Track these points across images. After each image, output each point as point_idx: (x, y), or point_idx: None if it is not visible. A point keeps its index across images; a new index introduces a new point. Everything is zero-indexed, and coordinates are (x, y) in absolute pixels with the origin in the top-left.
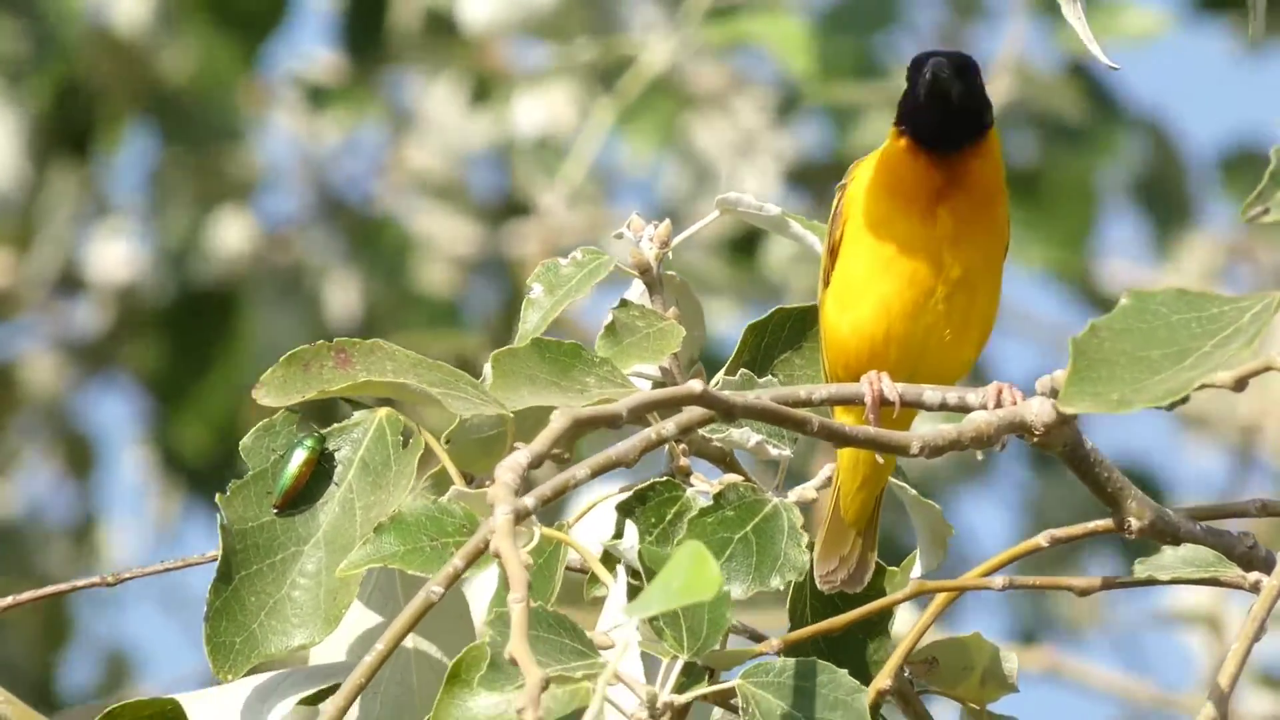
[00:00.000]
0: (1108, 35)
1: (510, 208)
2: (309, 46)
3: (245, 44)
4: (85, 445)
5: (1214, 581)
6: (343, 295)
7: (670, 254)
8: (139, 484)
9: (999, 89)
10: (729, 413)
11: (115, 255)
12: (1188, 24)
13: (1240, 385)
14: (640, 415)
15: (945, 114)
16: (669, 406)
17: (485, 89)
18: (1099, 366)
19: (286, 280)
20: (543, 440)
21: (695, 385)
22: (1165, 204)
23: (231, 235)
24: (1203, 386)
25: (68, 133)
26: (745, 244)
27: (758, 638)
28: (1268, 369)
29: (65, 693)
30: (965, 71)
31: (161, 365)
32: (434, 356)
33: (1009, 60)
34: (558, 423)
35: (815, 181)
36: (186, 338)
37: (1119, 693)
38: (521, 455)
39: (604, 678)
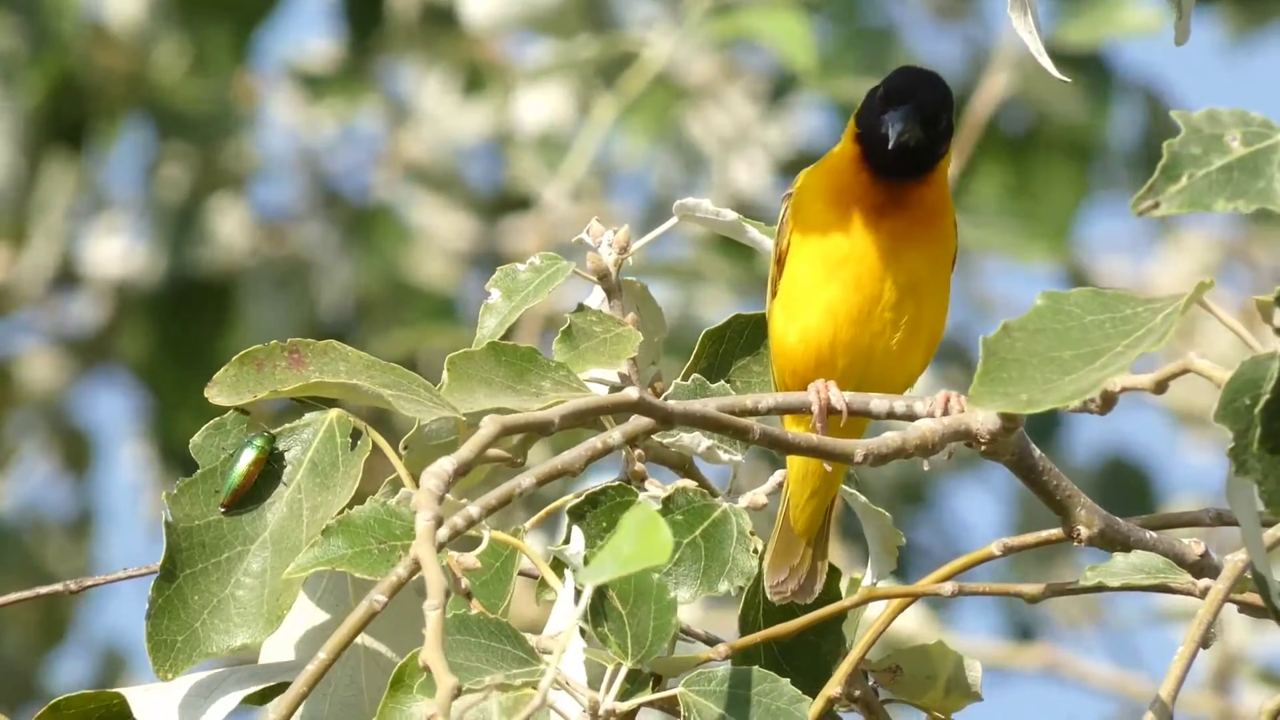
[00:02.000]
0: (1106, 30)
1: (506, 200)
2: (306, 35)
3: (240, 32)
4: (82, 441)
5: (1164, 588)
6: (339, 287)
7: (630, 259)
8: (136, 479)
9: (996, 84)
10: (667, 420)
11: (111, 250)
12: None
13: (1160, 388)
14: (574, 423)
15: (893, 159)
16: (605, 414)
17: (480, 80)
18: (1009, 366)
19: (283, 271)
20: (470, 447)
21: (631, 393)
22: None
23: (227, 227)
24: (1124, 390)
25: (63, 127)
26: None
27: (714, 642)
28: (1186, 371)
29: (60, 690)
30: (933, 120)
31: (158, 358)
32: (433, 350)
33: (1008, 54)
34: (486, 429)
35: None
36: (183, 330)
37: (1115, 689)
38: (447, 462)
39: (549, 675)
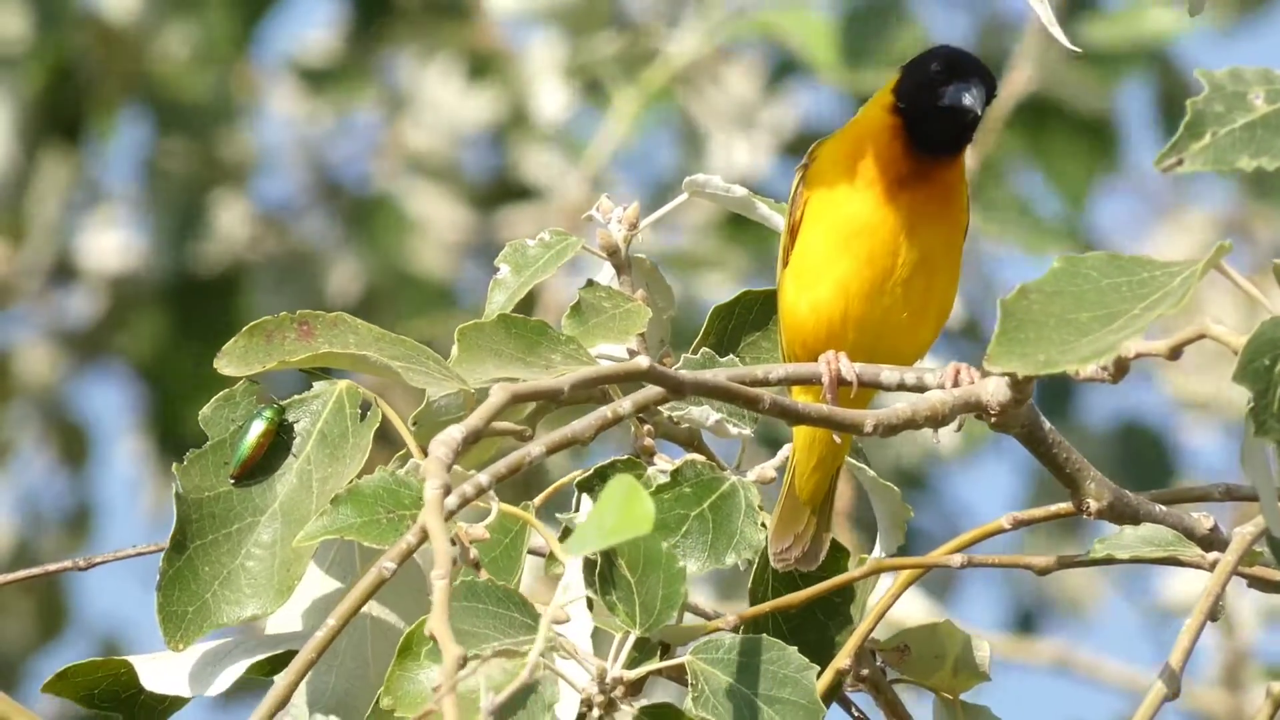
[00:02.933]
0: (1133, 34)
1: (505, 189)
2: (308, 25)
3: (245, 21)
4: (80, 434)
5: (1174, 561)
6: (341, 277)
7: (640, 236)
8: (134, 472)
9: (1018, 80)
10: (678, 389)
11: (109, 243)
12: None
13: (1175, 353)
14: (584, 391)
15: (953, 135)
16: (615, 382)
17: (482, 68)
18: (1027, 328)
19: (284, 263)
20: (480, 415)
21: (642, 361)
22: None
23: (228, 219)
24: (1139, 355)
25: (60, 120)
26: (741, 218)
27: (715, 616)
28: (1202, 336)
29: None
30: (989, 100)
31: (159, 351)
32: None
33: (1031, 50)
34: (496, 397)
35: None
36: (186, 322)
37: (1126, 684)
38: (456, 430)
39: (538, 643)
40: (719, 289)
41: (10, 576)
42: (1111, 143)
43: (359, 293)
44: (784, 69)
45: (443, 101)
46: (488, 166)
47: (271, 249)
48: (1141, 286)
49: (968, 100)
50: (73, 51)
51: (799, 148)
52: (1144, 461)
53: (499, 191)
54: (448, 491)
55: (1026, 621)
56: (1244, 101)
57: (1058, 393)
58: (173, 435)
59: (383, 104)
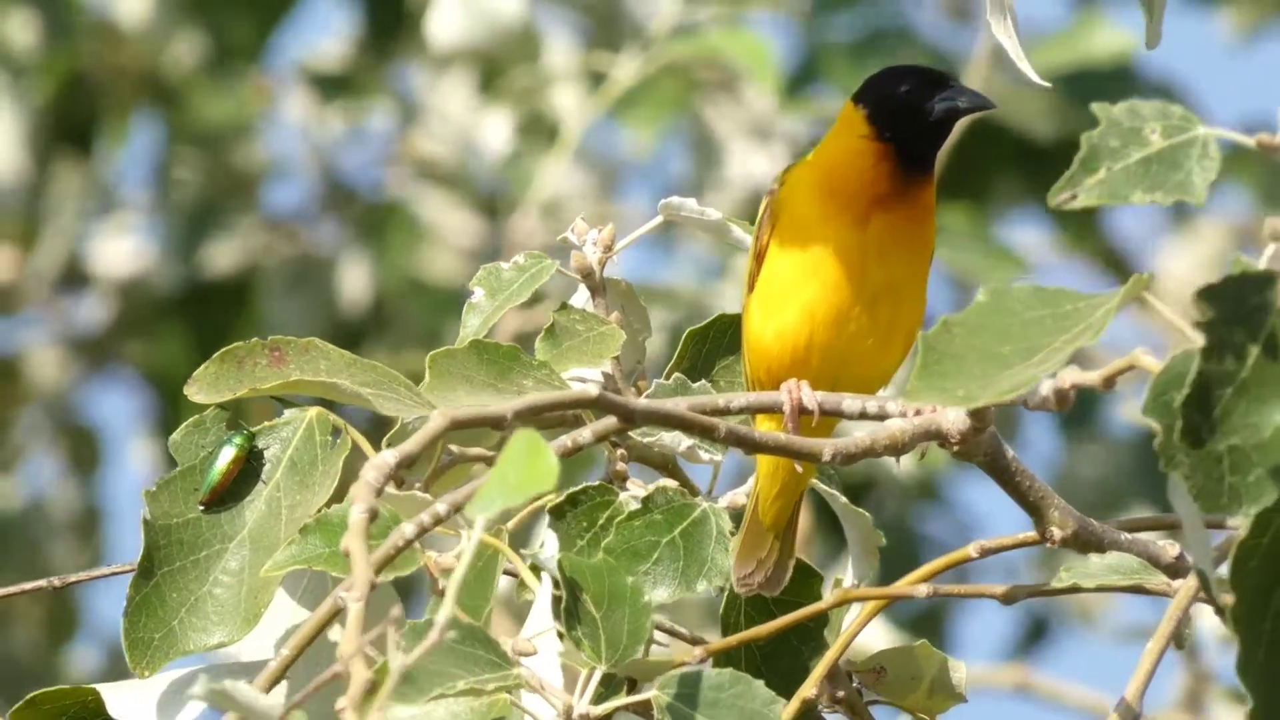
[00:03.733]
0: (1074, 56)
1: (511, 202)
2: (322, 34)
3: (260, 29)
4: (90, 439)
5: (1139, 589)
6: (352, 284)
7: (616, 258)
8: (144, 478)
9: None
10: (629, 418)
11: (120, 249)
12: (1186, 12)
13: (1108, 383)
14: (530, 418)
15: (938, 143)
16: (561, 410)
17: (492, 79)
18: (947, 361)
19: (296, 270)
20: (415, 440)
21: (591, 389)
22: None
23: (240, 226)
24: (1073, 386)
25: (71, 126)
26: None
27: (699, 642)
28: (1132, 367)
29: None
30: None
31: (171, 357)
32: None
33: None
34: (434, 423)
35: None
36: (197, 329)
37: (1090, 710)
38: (389, 454)
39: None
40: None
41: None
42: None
43: (370, 299)
44: (801, 79)
45: (454, 111)
46: (501, 174)
47: (283, 256)
48: (1065, 319)
49: (963, 103)
50: (84, 59)
51: None
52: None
53: (508, 199)
54: (374, 516)
55: (1038, 629)
56: (1139, 136)
57: (1083, 405)
58: None
59: (395, 112)
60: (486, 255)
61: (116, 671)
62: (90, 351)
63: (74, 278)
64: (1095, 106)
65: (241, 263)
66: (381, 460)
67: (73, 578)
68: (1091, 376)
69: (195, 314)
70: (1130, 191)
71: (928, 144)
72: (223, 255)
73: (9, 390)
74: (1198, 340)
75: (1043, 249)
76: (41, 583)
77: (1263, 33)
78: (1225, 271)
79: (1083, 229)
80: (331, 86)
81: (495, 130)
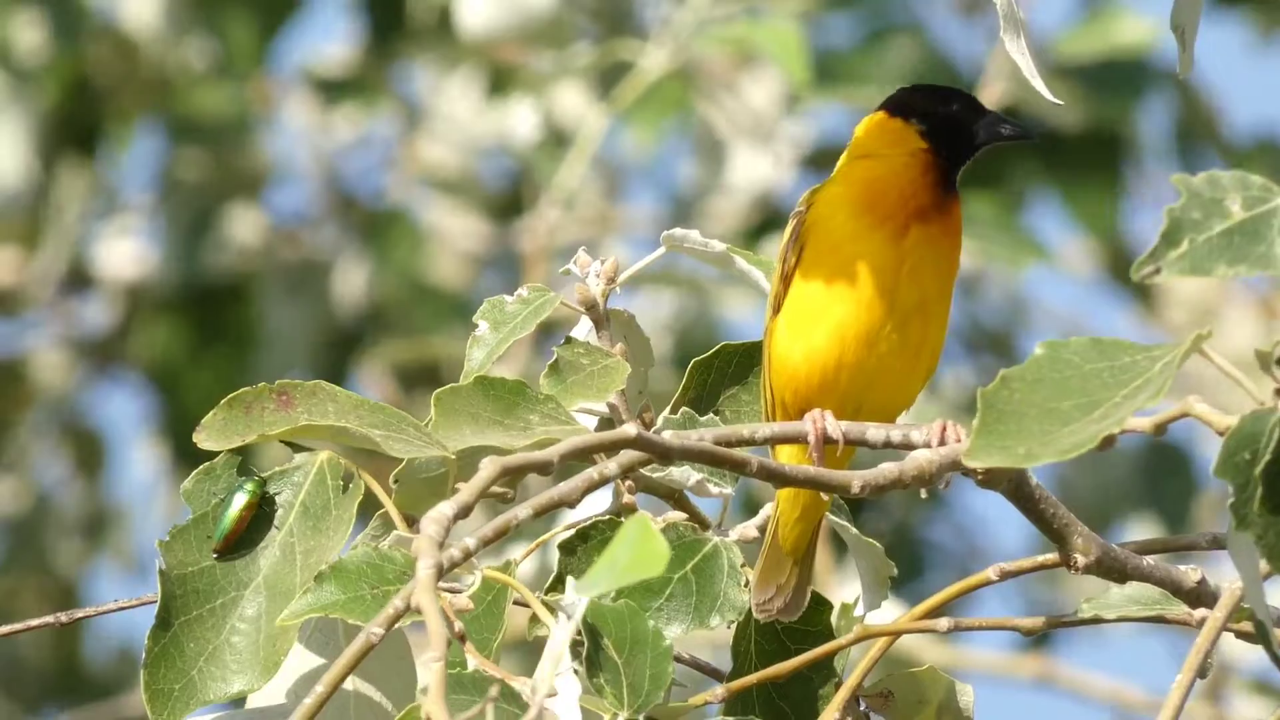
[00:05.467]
0: (1103, 44)
1: (522, 201)
2: (325, 38)
3: (264, 33)
4: (95, 441)
5: (1160, 619)
6: (354, 289)
7: (618, 289)
8: (149, 480)
9: (990, 96)
10: (665, 455)
11: (124, 252)
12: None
13: (1160, 430)
14: (572, 460)
15: (976, 152)
16: (603, 450)
17: (500, 82)
18: (1008, 419)
19: (298, 273)
20: (470, 490)
21: (630, 429)
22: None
23: (243, 230)
24: (1124, 432)
25: (77, 130)
26: (760, 233)
27: (708, 671)
28: (1185, 415)
29: (80, 688)
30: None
31: (174, 358)
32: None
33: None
34: (485, 472)
35: (832, 166)
36: (200, 331)
37: (1111, 699)
38: (447, 507)
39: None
40: (736, 307)
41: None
42: (1129, 155)
43: (371, 304)
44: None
45: (459, 116)
46: (506, 178)
47: (285, 259)
48: (1123, 372)
49: (1006, 130)
50: (90, 64)
51: (820, 162)
52: (1171, 482)
53: (517, 200)
54: (441, 572)
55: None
56: (1221, 208)
57: None
58: (187, 443)
59: (399, 116)
60: (494, 258)
61: (123, 671)
62: (94, 353)
63: (78, 280)
64: (1175, 178)
65: (243, 266)
66: (440, 513)
67: (80, 613)
68: (1143, 423)
69: (196, 317)
70: (1213, 265)
71: (965, 162)
72: (224, 258)
73: (14, 392)
74: (1270, 399)
75: (1059, 239)
76: (49, 619)
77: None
78: None
79: (1096, 221)
80: (335, 91)
81: (522, 120)
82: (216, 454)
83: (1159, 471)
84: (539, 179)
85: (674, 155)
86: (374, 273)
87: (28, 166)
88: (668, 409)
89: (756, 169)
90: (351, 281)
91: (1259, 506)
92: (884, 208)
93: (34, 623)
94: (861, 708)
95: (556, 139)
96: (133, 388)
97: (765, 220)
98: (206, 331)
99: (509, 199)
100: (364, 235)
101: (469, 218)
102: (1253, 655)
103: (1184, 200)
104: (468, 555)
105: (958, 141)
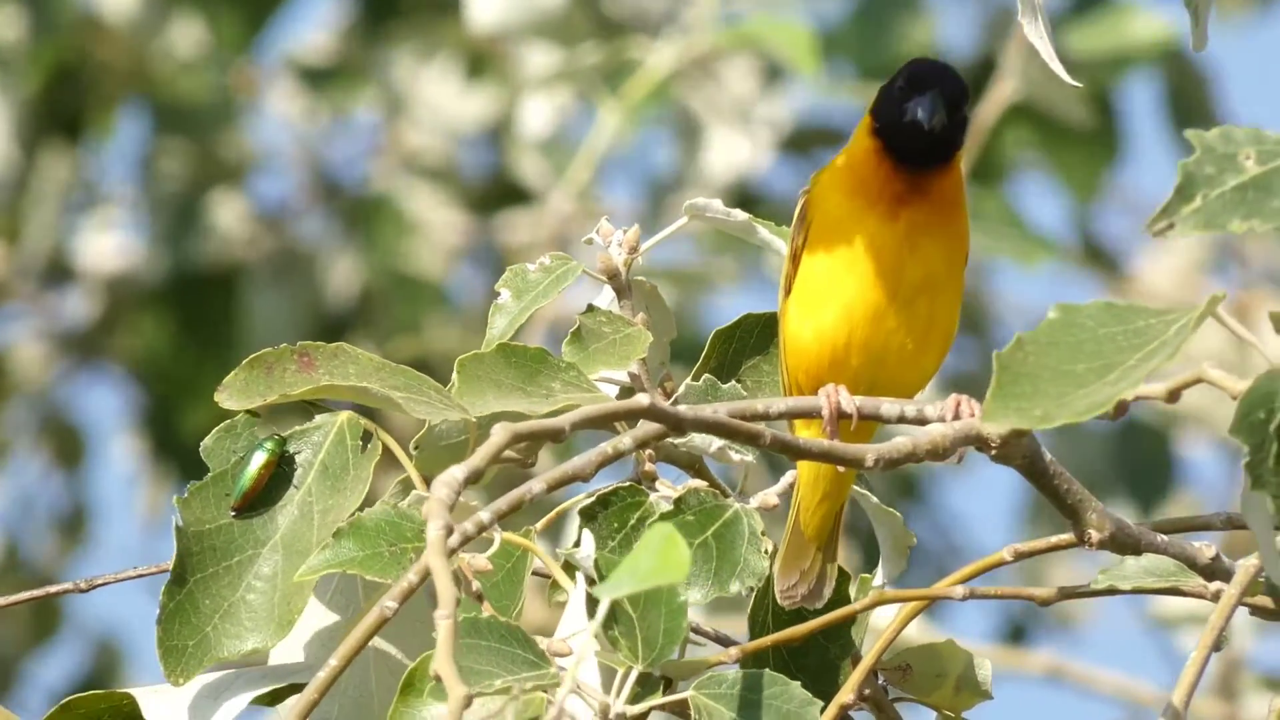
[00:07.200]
0: (1114, 42)
1: (502, 192)
2: (311, 24)
3: (250, 22)
4: (75, 435)
5: (1175, 591)
6: (339, 277)
7: (640, 259)
8: (131, 473)
9: (1002, 91)
10: (678, 426)
11: (106, 243)
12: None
13: (1173, 397)
14: (585, 429)
15: (923, 143)
16: (616, 420)
17: (480, 67)
18: (1023, 381)
19: (282, 263)
20: (482, 455)
21: (643, 399)
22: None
23: (226, 219)
24: (1137, 399)
25: (58, 119)
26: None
27: (725, 642)
28: (1199, 381)
29: (55, 683)
30: (955, 107)
31: (157, 351)
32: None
33: (1014, 63)
34: (497, 437)
35: (810, 146)
36: (183, 323)
37: (1120, 694)
38: (458, 470)
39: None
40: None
41: (11, 599)
42: (1112, 139)
43: (356, 293)
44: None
45: (441, 101)
46: (485, 163)
47: (269, 249)
48: (1137, 336)
49: (920, 115)
50: (71, 52)
51: (799, 144)
52: (1144, 462)
53: (496, 193)
54: (450, 532)
55: (1017, 635)
56: (1234, 163)
57: None
58: (169, 436)
59: (381, 104)
60: (474, 251)
61: (99, 669)
62: (76, 346)
63: (59, 272)
64: (1190, 133)
65: (227, 256)
66: (451, 476)
67: (100, 580)
68: (1156, 389)
69: (180, 307)
70: (1228, 219)
71: (908, 145)
72: (208, 248)
73: None
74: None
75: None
76: (69, 586)
77: (1267, 11)
78: None
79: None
80: (318, 79)
81: (536, 113)
82: (193, 445)
83: (1135, 458)
84: (539, 173)
85: (652, 141)
86: (360, 261)
87: (8, 156)
88: (689, 377)
89: (735, 153)
90: (338, 270)
91: (1274, 464)
92: (866, 194)
93: (53, 589)
94: (879, 681)
95: (557, 134)
96: (114, 381)
97: (742, 204)
98: (189, 323)
99: (491, 187)
100: (348, 223)
101: (450, 208)
102: (1263, 649)
103: (1198, 155)
104: (481, 529)
105: (892, 123)
